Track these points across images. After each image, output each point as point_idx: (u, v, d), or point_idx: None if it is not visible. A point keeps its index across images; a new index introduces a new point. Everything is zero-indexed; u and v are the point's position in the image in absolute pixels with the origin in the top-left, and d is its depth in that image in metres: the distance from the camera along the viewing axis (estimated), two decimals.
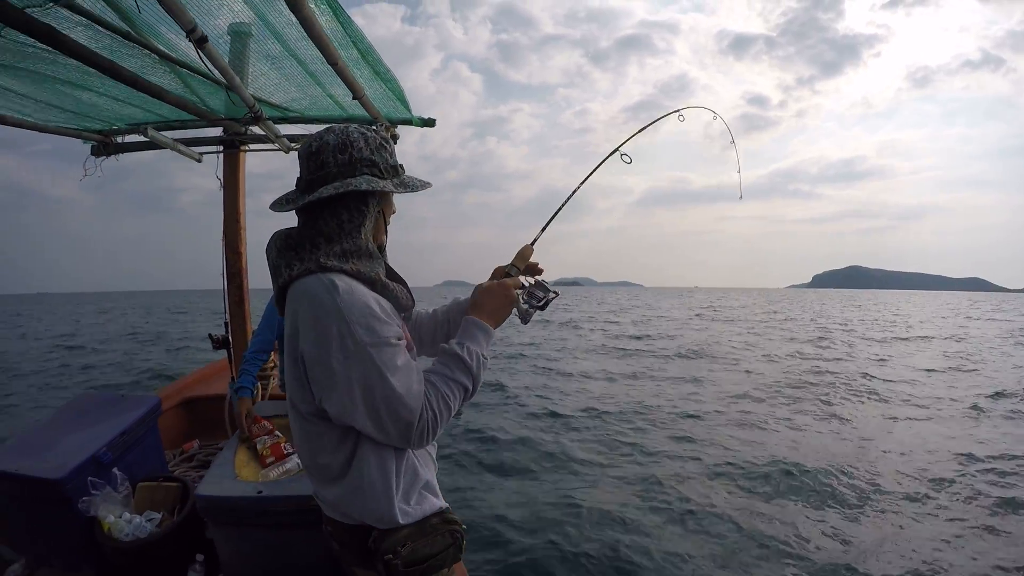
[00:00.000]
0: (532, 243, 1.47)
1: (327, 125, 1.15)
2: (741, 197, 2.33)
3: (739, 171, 2.06)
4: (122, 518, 2.00)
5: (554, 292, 1.37)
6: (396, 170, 1.18)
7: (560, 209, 1.57)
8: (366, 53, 1.97)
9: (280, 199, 1.17)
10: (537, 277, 1.42)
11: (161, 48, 1.86)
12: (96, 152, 2.80)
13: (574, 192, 1.59)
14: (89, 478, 2.04)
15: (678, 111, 1.85)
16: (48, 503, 2.03)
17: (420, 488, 1.21)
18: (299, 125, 2.48)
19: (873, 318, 30.52)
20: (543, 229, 1.51)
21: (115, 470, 2.11)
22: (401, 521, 1.15)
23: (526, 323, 1.36)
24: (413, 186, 1.21)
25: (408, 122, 2.41)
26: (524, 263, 1.44)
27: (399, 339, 1.08)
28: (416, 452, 1.21)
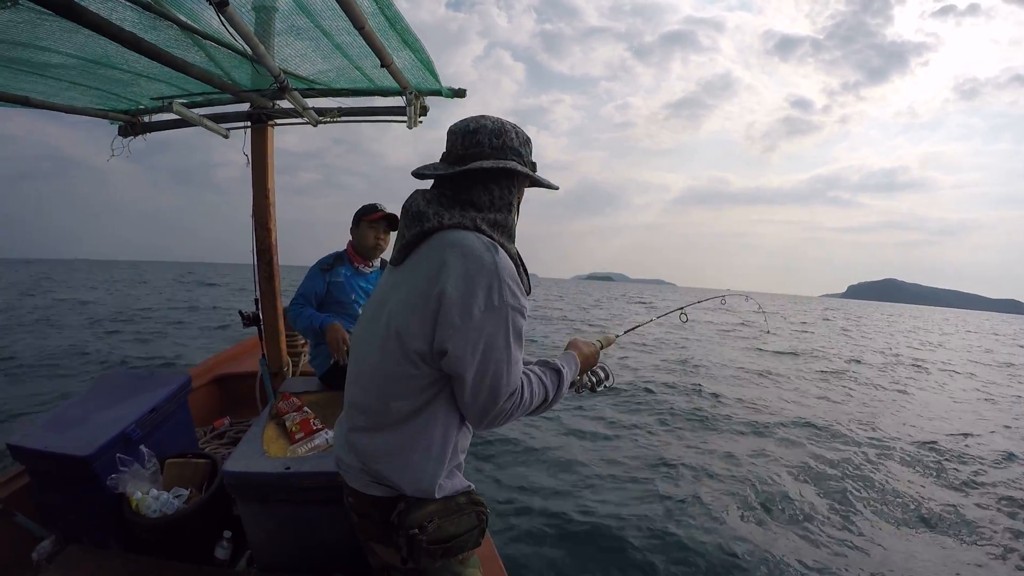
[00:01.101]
0: (617, 336, 1.66)
1: (353, 98, 1.21)
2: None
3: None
4: (149, 494, 2.00)
5: (611, 382, 1.49)
6: (534, 166, 1.25)
7: (645, 324, 1.87)
8: (394, 21, 1.91)
9: (427, 166, 1.21)
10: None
11: (183, 19, 1.82)
12: (123, 132, 2.79)
13: (648, 321, 1.92)
14: (117, 455, 2.05)
15: (721, 296, 2.13)
16: (77, 480, 2.04)
17: (454, 466, 1.20)
18: (327, 99, 2.44)
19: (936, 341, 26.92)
20: (628, 331, 1.77)
21: (143, 447, 2.11)
22: (436, 494, 1.13)
23: (579, 393, 1.48)
24: (547, 183, 1.30)
25: (437, 92, 2.35)
26: (607, 345, 1.60)
27: (527, 314, 1.12)
28: (463, 432, 1.21)
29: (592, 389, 1.47)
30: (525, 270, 1.26)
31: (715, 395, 8.21)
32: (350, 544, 1.59)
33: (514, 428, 6.07)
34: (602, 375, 1.47)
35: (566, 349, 1.43)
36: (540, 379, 1.21)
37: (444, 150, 1.23)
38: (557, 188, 1.33)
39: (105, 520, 2.05)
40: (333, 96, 2.38)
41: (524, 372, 1.16)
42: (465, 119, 1.21)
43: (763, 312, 2.09)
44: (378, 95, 2.36)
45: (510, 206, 1.20)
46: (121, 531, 2.04)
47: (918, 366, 14.54)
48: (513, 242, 1.21)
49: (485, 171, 1.16)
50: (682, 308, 1.83)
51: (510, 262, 1.11)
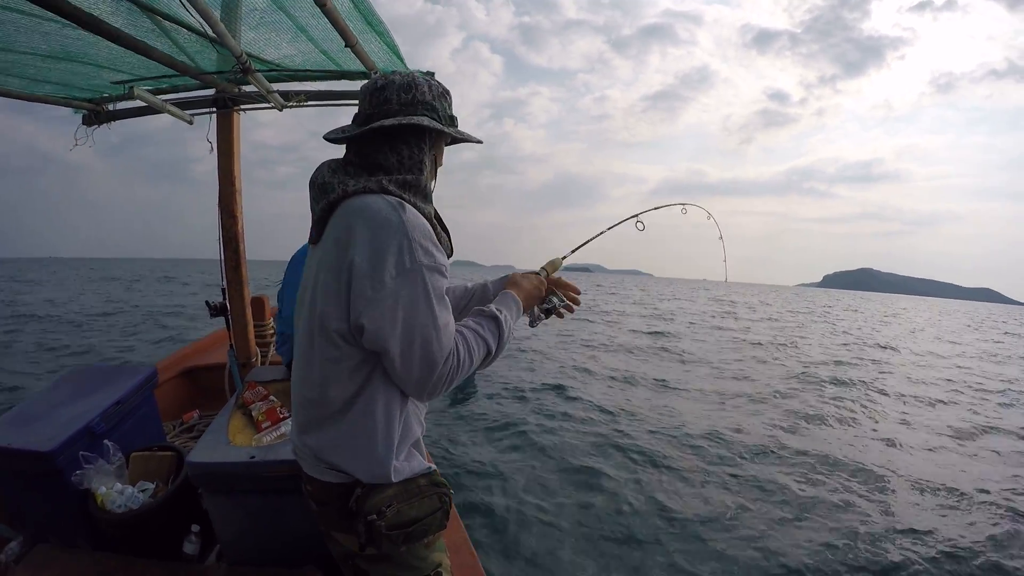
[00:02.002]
0: (563, 257, 1.51)
1: (319, 83, 1.16)
2: (727, 280, 2.48)
3: (724, 260, 2.14)
4: (114, 489, 1.95)
5: (565, 305, 1.41)
6: (453, 120, 1.19)
7: (590, 240, 1.65)
8: (357, 2, 1.87)
9: (336, 130, 1.15)
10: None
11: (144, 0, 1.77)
12: (87, 121, 2.71)
13: (598, 235, 1.69)
14: (81, 452, 1.99)
15: (683, 204, 1.99)
16: (41, 476, 1.98)
17: (410, 445, 1.15)
18: (292, 84, 2.39)
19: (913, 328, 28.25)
20: (575, 249, 1.58)
21: (107, 441, 2.06)
22: (392, 478, 1.09)
23: (533, 327, 1.41)
24: (467, 137, 1.23)
25: None
26: (553, 271, 1.46)
27: (447, 272, 1.06)
28: (413, 406, 1.14)
29: (547, 316, 1.40)
30: (446, 230, 1.21)
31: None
32: (319, 534, 1.56)
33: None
34: (555, 301, 1.40)
35: (504, 288, 1.33)
36: (477, 332, 1.11)
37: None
38: (480, 142, 1.27)
39: (72, 518, 2.00)
40: (300, 80, 2.33)
41: (458, 329, 1.09)
42: (375, 76, 1.16)
43: (716, 224, 2.03)
44: (345, 79, 2.31)
45: (421, 165, 1.13)
46: (89, 529, 1.99)
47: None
48: (429, 203, 1.14)
49: (390, 129, 1.09)
50: (636, 215, 1.73)
51: (421, 219, 1.05)
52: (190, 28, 1.94)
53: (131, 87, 2.19)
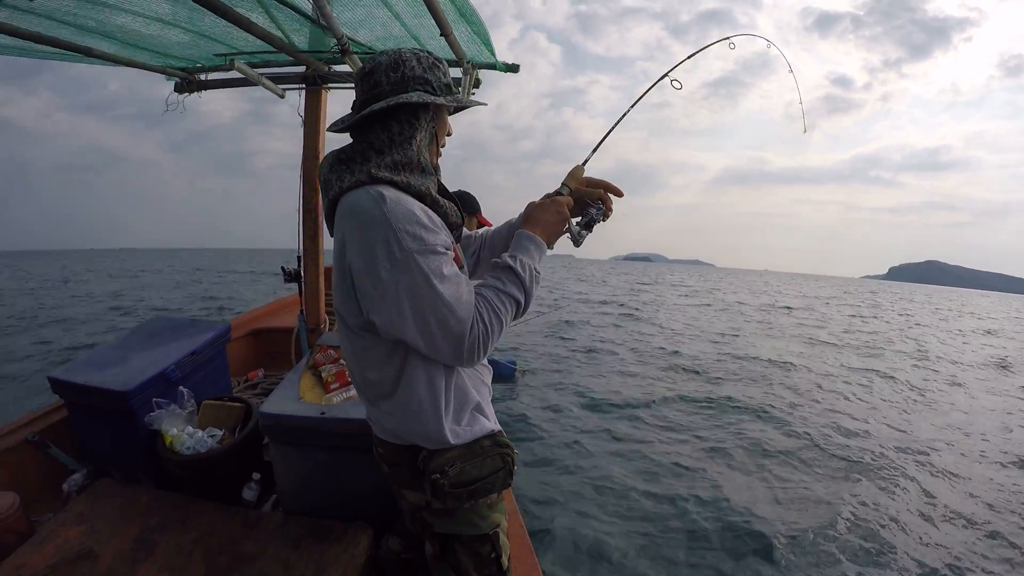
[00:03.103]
0: (583, 163, 1.38)
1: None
2: (805, 130, 2.23)
3: (800, 101, 1.97)
4: (184, 431, 2.06)
5: (603, 214, 1.31)
6: (449, 88, 1.17)
7: (611, 130, 1.47)
8: None
9: (336, 121, 1.17)
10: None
11: None
12: (179, 89, 2.86)
13: (625, 114, 1.50)
14: (154, 399, 2.12)
15: (728, 38, 1.74)
16: (115, 414, 2.11)
17: (471, 409, 1.19)
18: None
19: None
20: (594, 150, 1.42)
21: (182, 388, 2.18)
22: (452, 441, 1.14)
23: (578, 245, 1.33)
24: (466, 102, 1.20)
25: (492, 66, 2.38)
26: (575, 183, 1.34)
27: (447, 248, 1.06)
28: (466, 372, 1.19)
29: (589, 228, 1.30)
30: (451, 198, 1.21)
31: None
32: (375, 494, 1.63)
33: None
34: (592, 212, 1.30)
35: (522, 225, 1.26)
36: (497, 290, 1.11)
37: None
38: (484, 104, 1.25)
39: (138, 456, 2.13)
40: None
41: (477, 291, 1.09)
42: (366, 62, 1.14)
43: (781, 54, 1.76)
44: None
45: (411, 140, 1.12)
46: (152, 467, 2.11)
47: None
48: (428, 175, 1.14)
49: (381, 111, 1.09)
50: (668, 73, 1.55)
51: (404, 204, 1.03)
52: (294, 8, 2.05)
53: (231, 60, 2.31)
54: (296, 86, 2.65)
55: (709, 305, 24.78)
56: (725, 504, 4.08)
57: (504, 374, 7.92)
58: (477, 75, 2.38)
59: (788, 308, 25.61)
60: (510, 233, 1.35)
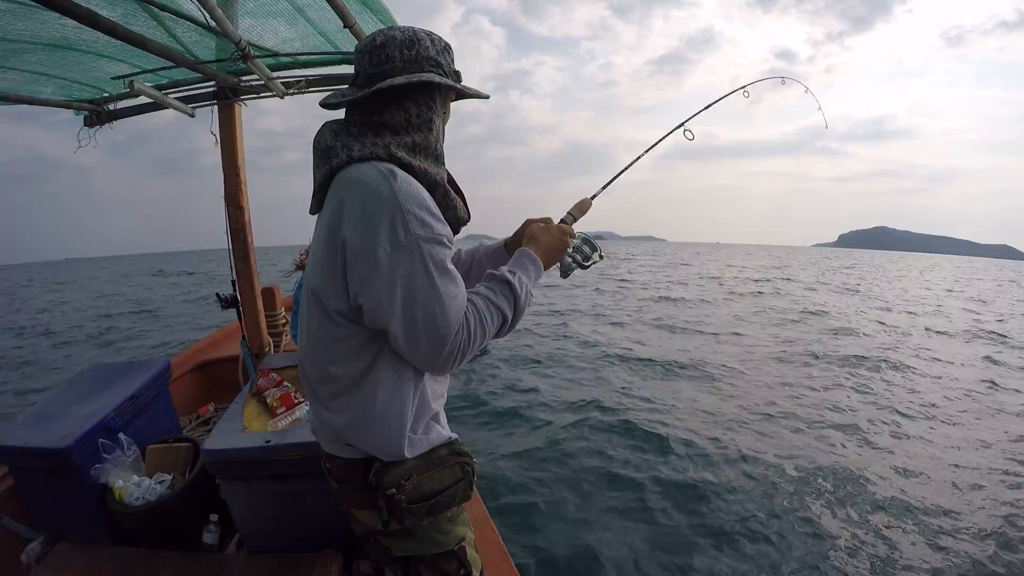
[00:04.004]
0: (592, 197, 1.38)
1: (320, 68, 1.08)
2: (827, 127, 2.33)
3: (826, 126, 2.13)
4: (131, 482, 1.95)
5: (600, 255, 1.29)
6: (457, 75, 1.11)
7: (625, 170, 1.50)
8: None
9: (335, 94, 1.09)
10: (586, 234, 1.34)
11: None
12: (89, 123, 2.71)
13: (640, 156, 1.55)
14: (100, 440, 1.99)
15: (744, 88, 1.80)
16: (58, 474, 1.99)
17: (429, 417, 1.10)
18: (292, 72, 2.37)
19: None
20: (604, 187, 1.43)
21: (122, 435, 2.06)
22: (407, 453, 1.05)
23: (565, 277, 1.29)
24: (475, 92, 1.15)
25: None
26: (581, 215, 1.34)
27: (451, 242, 0.99)
28: (428, 379, 1.09)
29: (582, 266, 1.27)
30: (460, 193, 1.14)
31: None
32: (338, 517, 1.54)
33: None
34: (587, 250, 1.27)
35: (525, 243, 1.21)
36: (488, 300, 1.04)
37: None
38: (487, 97, 1.19)
39: (91, 514, 2.00)
40: (300, 66, 2.31)
41: (469, 298, 1.01)
42: (372, 33, 1.07)
43: (814, 97, 1.98)
44: (345, 63, 2.28)
45: (430, 123, 1.06)
46: (108, 524, 1.99)
47: None
48: (441, 165, 1.09)
49: (398, 88, 1.02)
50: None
51: (415, 187, 0.97)
52: (187, 17, 1.93)
53: (131, 81, 2.18)
54: (208, 103, 2.52)
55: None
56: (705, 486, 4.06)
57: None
58: None
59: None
60: (499, 252, 1.33)
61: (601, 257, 1.29)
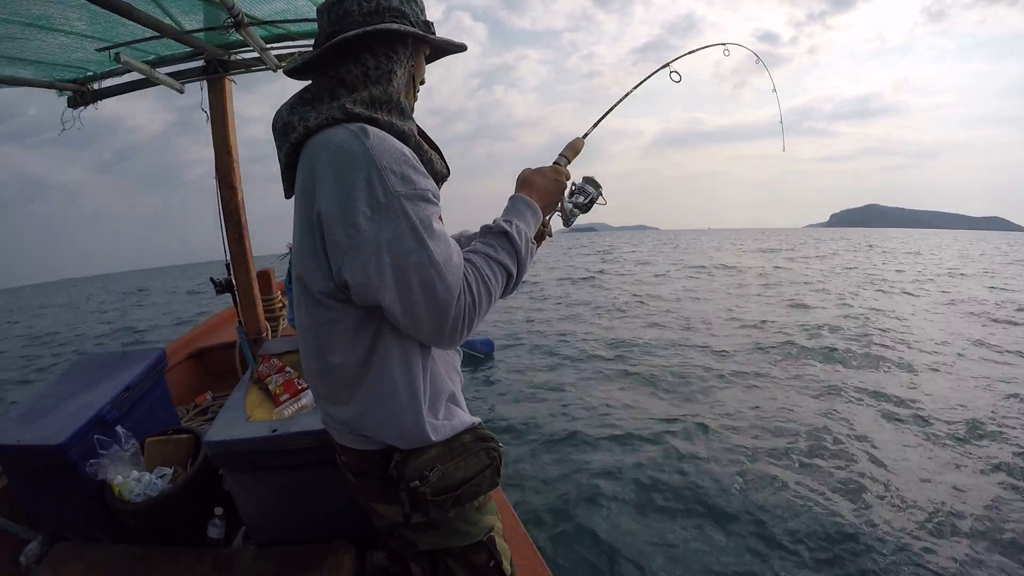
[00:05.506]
0: (584, 136, 1.26)
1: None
2: (784, 149, 2.37)
3: (781, 121, 2.05)
4: (131, 477, 1.87)
5: (602, 194, 1.22)
6: (428, 26, 1.03)
7: (613, 108, 1.39)
8: None
9: (295, 57, 0.99)
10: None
11: None
12: (73, 103, 2.59)
13: (627, 95, 1.44)
14: (96, 437, 1.92)
15: (723, 44, 1.70)
16: (54, 471, 1.91)
17: (446, 399, 1.01)
18: (285, 45, 2.26)
19: None
20: (595, 125, 1.32)
21: (120, 428, 1.98)
22: (432, 437, 0.96)
23: (568, 225, 1.20)
24: (446, 42, 1.08)
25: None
26: (574, 156, 1.23)
27: (437, 198, 0.89)
28: (439, 355, 1.01)
29: (585, 210, 1.20)
30: (435, 148, 1.05)
31: None
32: (349, 507, 1.47)
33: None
34: (590, 190, 1.20)
35: (517, 189, 1.12)
36: (487, 256, 0.94)
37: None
38: (464, 48, 1.11)
39: (90, 511, 1.93)
40: (293, 38, 2.19)
41: (466, 257, 0.92)
42: None
43: (766, 68, 1.87)
44: None
45: (390, 75, 0.97)
46: (108, 521, 1.92)
47: None
48: (409, 118, 0.99)
49: (354, 40, 0.94)
50: (668, 63, 1.48)
51: (391, 142, 0.87)
52: None
53: (118, 53, 2.06)
54: (197, 78, 2.40)
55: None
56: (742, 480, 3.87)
57: (482, 352, 7.29)
58: None
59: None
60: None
61: (603, 199, 1.22)
